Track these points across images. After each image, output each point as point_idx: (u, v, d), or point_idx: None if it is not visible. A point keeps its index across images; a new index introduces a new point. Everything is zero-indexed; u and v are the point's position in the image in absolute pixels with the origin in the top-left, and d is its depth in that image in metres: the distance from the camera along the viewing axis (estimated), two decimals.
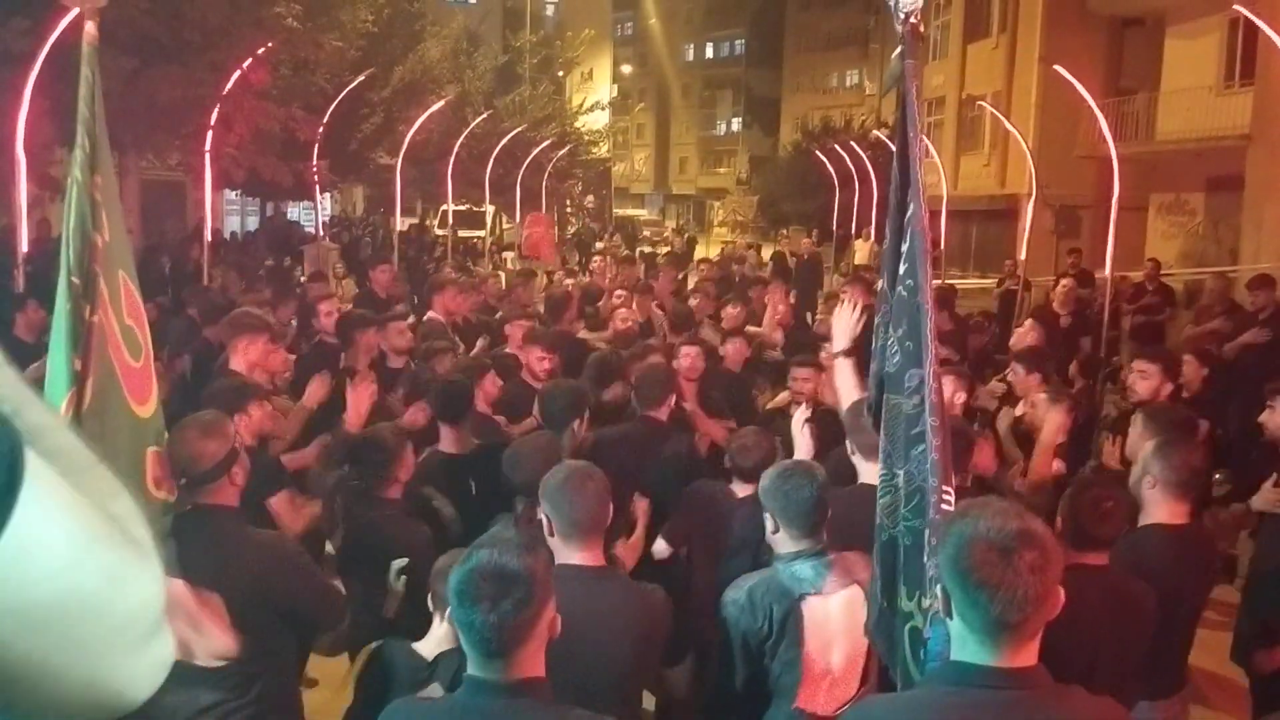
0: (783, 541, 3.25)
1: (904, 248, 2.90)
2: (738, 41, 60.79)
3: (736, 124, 61.74)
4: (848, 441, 3.91)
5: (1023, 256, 13.17)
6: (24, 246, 9.30)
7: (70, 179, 3.81)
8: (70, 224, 3.58)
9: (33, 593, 0.68)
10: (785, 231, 31.57)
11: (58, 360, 3.13)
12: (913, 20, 2.90)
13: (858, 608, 3.15)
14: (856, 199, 24.82)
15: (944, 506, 2.55)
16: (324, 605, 3.48)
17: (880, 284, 3.14)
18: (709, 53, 63.91)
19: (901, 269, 2.89)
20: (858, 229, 25.09)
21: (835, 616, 3.21)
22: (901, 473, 2.82)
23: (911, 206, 2.88)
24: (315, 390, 5.29)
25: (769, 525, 3.26)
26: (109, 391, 3.24)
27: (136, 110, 11.75)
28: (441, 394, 4.82)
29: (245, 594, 3.14)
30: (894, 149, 3.08)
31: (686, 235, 34.11)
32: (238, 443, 3.39)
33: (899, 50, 2.99)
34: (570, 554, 2.99)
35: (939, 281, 14.71)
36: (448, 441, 4.71)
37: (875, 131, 27.30)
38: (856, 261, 21.02)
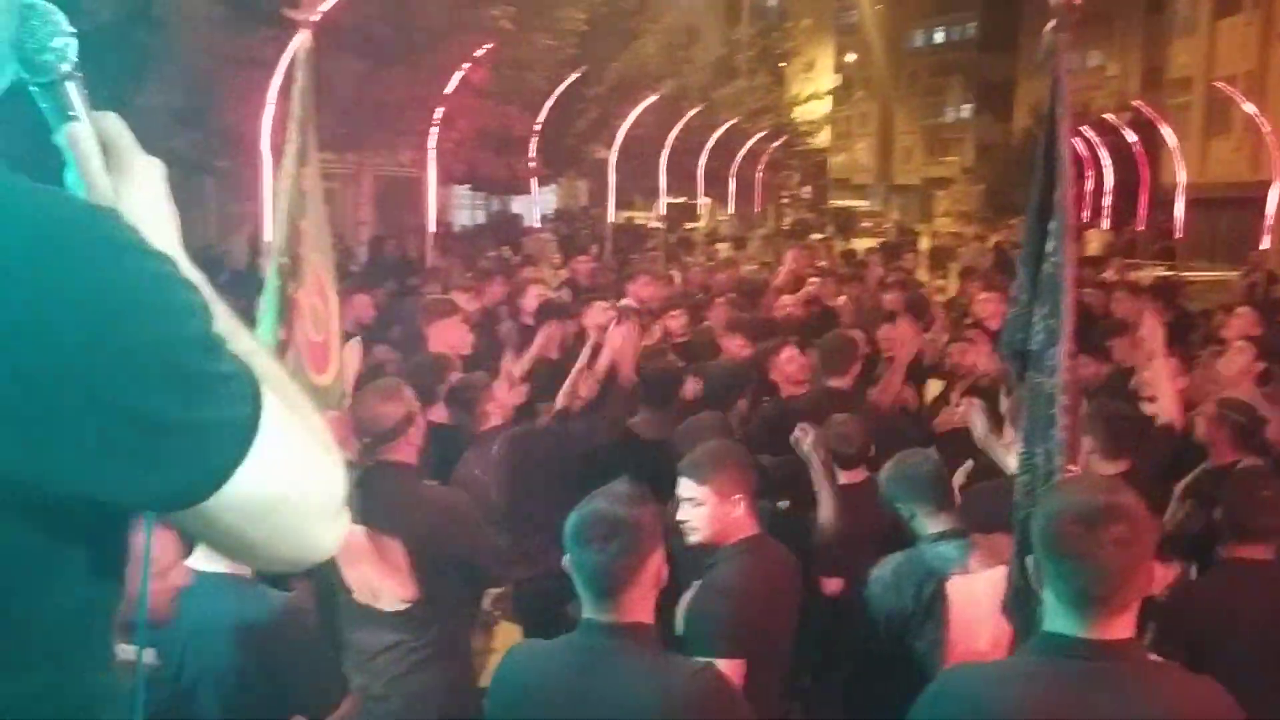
0: (921, 524, 3.27)
1: (1051, 225, 2.88)
2: (969, 25, 58.58)
3: (965, 111, 59.57)
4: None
5: (1265, 246, 12.23)
6: (267, 235, 10.21)
7: (282, 170, 4.24)
8: (280, 212, 4.01)
9: (267, 489, 0.95)
10: (1012, 222, 30.31)
11: (264, 332, 3.53)
12: None
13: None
14: (1091, 186, 23.54)
15: None
16: (493, 559, 3.76)
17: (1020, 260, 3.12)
18: (938, 37, 61.95)
19: (1049, 246, 2.88)
20: (1092, 217, 23.80)
21: (982, 597, 3.20)
22: (1041, 451, 2.81)
23: (1059, 184, 2.86)
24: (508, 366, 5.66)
25: (904, 513, 3.30)
26: (297, 360, 3.64)
27: (368, 111, 12.65)
28: (647, 380, 4.99)
29: (421, 543, 3.46)
30: (1049, 129, 3.05)
31: (901, 226, 33.30)
32: (414, 408, 3.71)
33: (1051, 23, 2.95)
34: None
35: (1166, 273, 13.88)
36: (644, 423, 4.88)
37: (1107, 115, 25.77)
38: (1089, 252, 19.91)
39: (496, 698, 2.42)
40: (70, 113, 1.06)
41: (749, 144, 26.74)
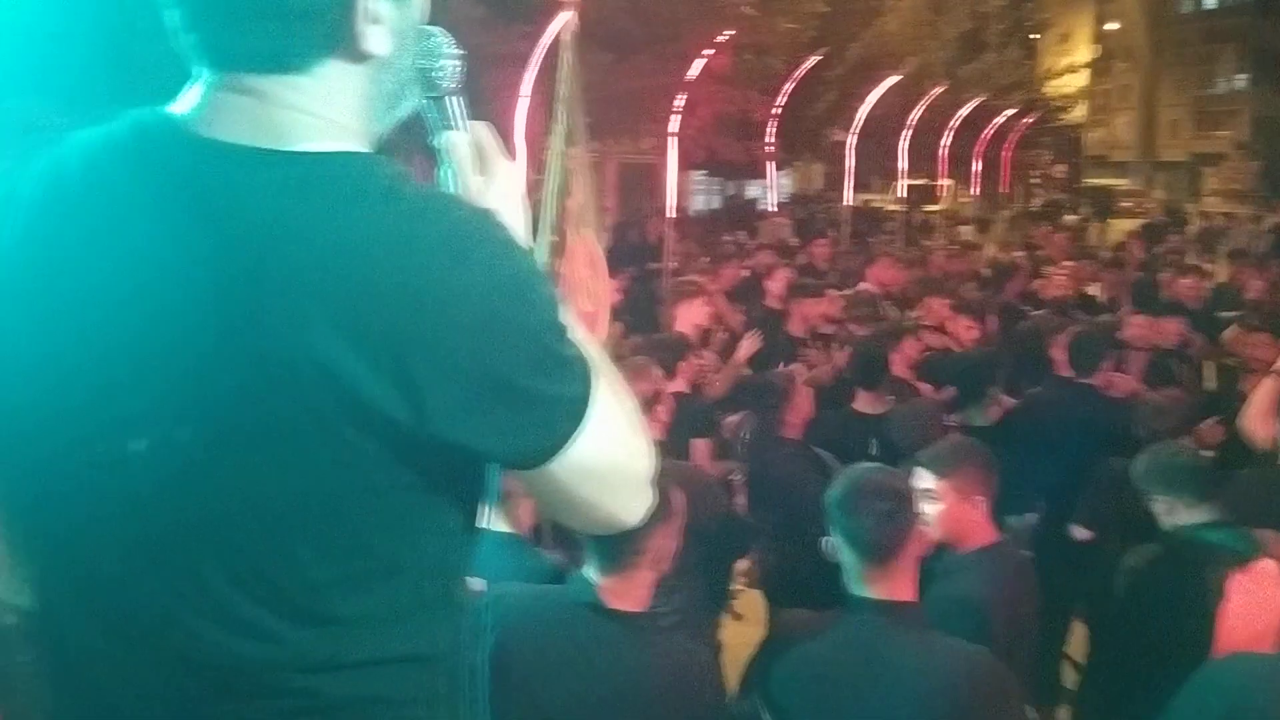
0: (1181, 516, 3.14)
1: None
2: None
3: (1240, 81, 54.70)
4: None
5: None
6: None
7: (550, 151, 4.51)
8: (551, 189, 4.27)
9: (596, 458, 1.12)
10: None
11: None
12: None
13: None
14: None
15: None
16: (734, 532, 3.88)
17: None
18: (1209, 2, 57.13)
19: None
20: None
21: (1259, 588, 3.05)
22: None
23: None
24: (747, 346, 5.78)
25: (1160, 509, 3.17)
26: None
27: (612, 100, 13.01)
28: (856, 357, 5.05)
29: None
30: None
31: (1167, 205, 31.00)
32: (661, 385, 3.87)
33: None
34: None
35: None
36: (861, 401, 4.93)
37: None
38: None
39: (777, 675, 2.50)
40: (451, 123, 1.26)
41: (997, 122, 25.57)
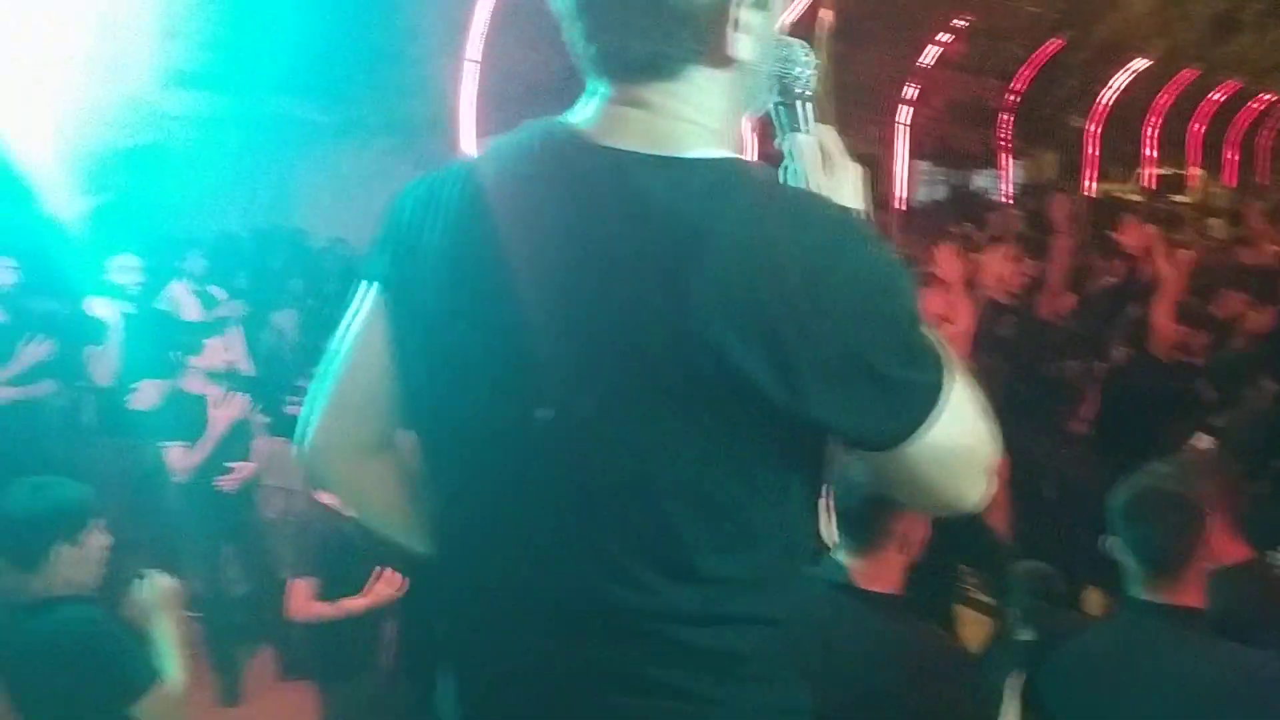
0: None
1: None
2: None
3: None
4: None
5: None
6: None
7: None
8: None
9: (948, 442, 1.18)
10: None
11: None
12: None
13: None
14: None
15: None
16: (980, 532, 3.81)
17: None
18: None
19: None
20: None
21: None
22: None
23: None
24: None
25: None
26: None
27: (844, 91, 12.88)
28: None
29: None
30: None
31: None
32: None
33: None
34: None
35: None
36: None
37: None
38: None
39: (1044, 673, 2.48)
40: (800, 126, 1.34)
41: (1254, 108, 23.66)
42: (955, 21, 12.71)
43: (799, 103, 1.34)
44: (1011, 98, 15.61)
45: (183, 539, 5.35)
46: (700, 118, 1.21)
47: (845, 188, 1.32)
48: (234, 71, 9.96)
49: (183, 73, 10.01)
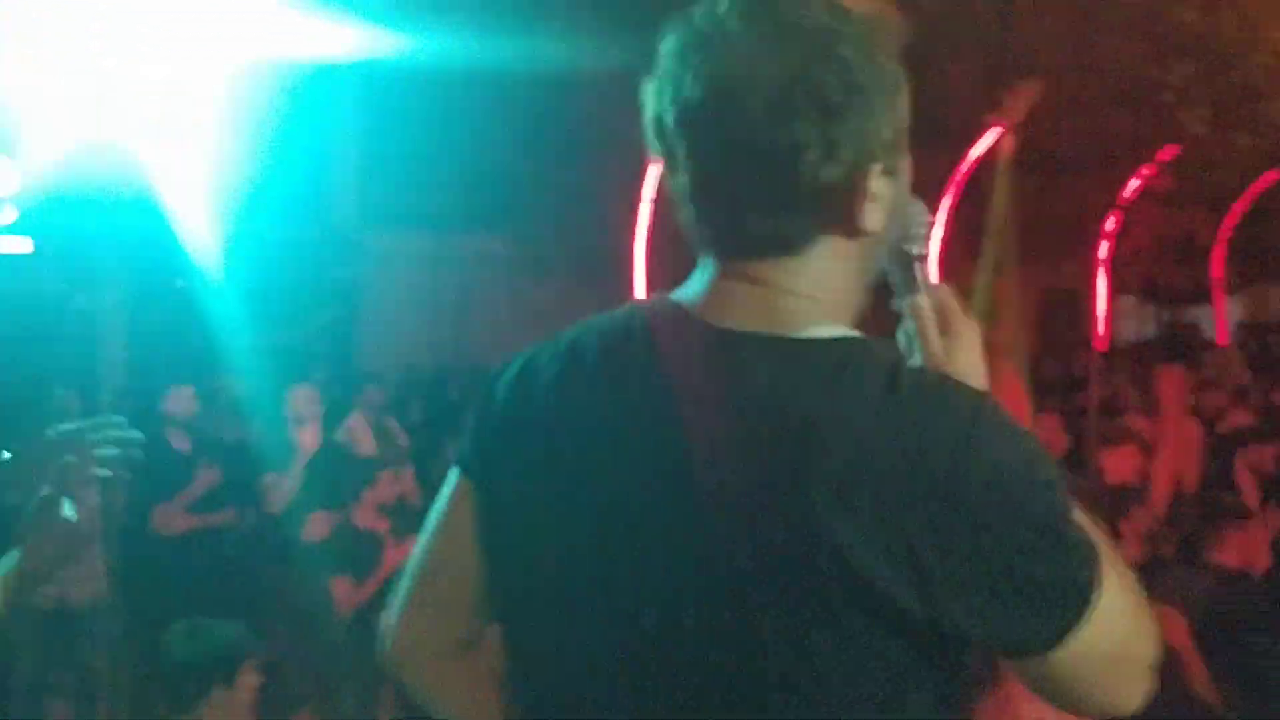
0: None
1: None
2: None
3: None
4: None
5: None
6: None
7: (978, 279, 4.36)
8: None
9: (1103, 644, 1.08)
10: None
11: None
12: None
13: None
14: None
15: None
16: None
17: None
18: None
19: None
20: None
21: None
22: None
23: None
24: None
25: None
26: None
27: (1040, 223, 12.39)
28: None
29: None
30: None
31: None
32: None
33: None
34: None
35: None
36: None
37: None
38: None
39: None
40: (916, 286, 1.28)
41: None
42: (1161, 155, 12.07)
43: (916, 261, 1.29)
44: (1226, 230, 14.61)
45: (342, 677, 5.31)
46: (818, 293, 1.16)
47: (963, 351, 1.24)
48: (427, 209, 10.45)
49: (379, 210, 10.58)
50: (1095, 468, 6.06)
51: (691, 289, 1.19)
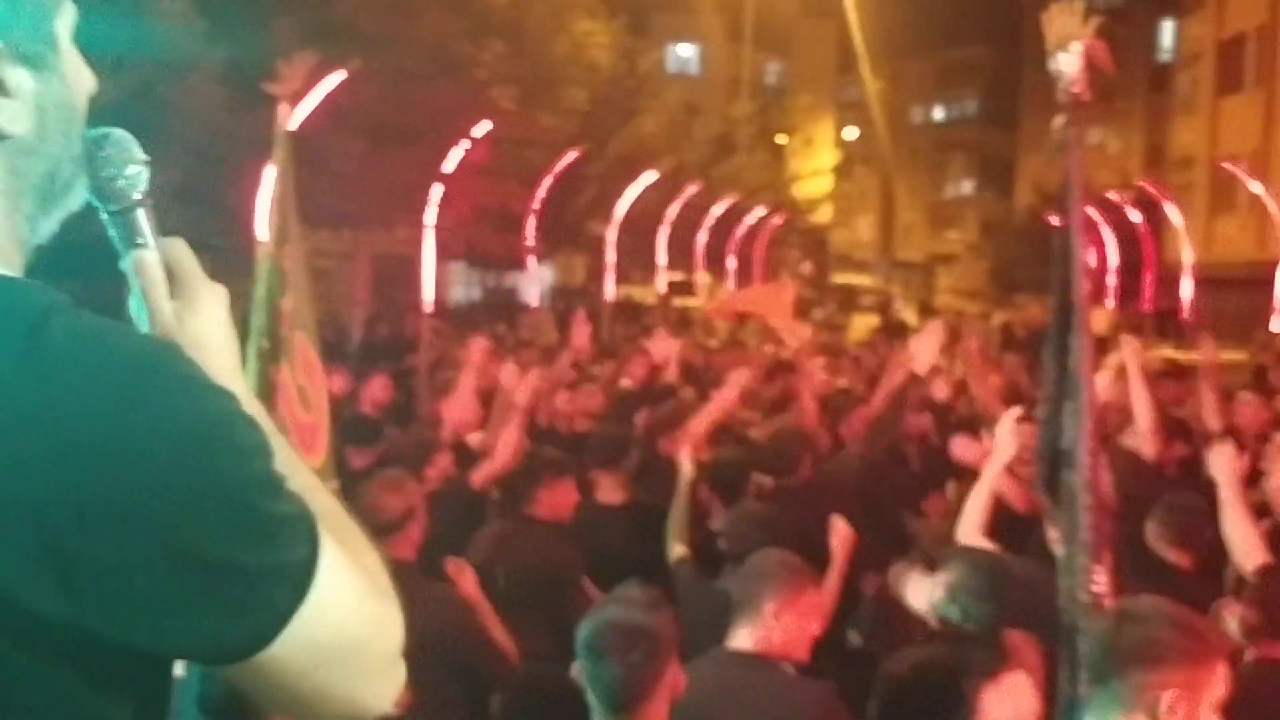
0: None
1: (1073, 320, 2.84)
2: (969, 102, 59.21)
3: (967, 187, 59.92)
4: None
5: (1275, 329, 12.04)
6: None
7: (260, 251, 4.19)
8: (260, 293, 3.93)
9: (325, 636, 0.92)
10: (1016, 298, 30.23)
11: None
12: (1074, 89, 2.79)
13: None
14: (1095, 264, 23.43)
15: (1093, 588, 2.60)
16: (495, 662, 3.50)
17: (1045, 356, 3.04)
18: (938, 114, 62.59)
19: (1071, 341, 2.84)
20: (1096, 296, 23.61)
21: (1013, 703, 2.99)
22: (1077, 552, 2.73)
23: (1075, 281, 2.85)
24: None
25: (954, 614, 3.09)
26: None
27: (367, 189, 12.60)
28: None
29: (414, 644, 3.19)
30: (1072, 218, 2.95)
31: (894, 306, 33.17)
32: (416, 501, 3.51)
33: (1062, 118, 2.89)
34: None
35: (1170, 354, 13.70)
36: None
37: (1110, 193, 25.76)
38: (1096, 332, 19.62)
39: None
40: (139, 240, 1.07)
41: (748, 220, 26.69)
42: (476, 129, 12.92)
43: (135, 211, 1.07)
44: (535, 204, 16.16)
45: None
46: None
47: (199, 314, 1.06)
48: None
49: None
50: (428, 419, 6.32)
51: None
